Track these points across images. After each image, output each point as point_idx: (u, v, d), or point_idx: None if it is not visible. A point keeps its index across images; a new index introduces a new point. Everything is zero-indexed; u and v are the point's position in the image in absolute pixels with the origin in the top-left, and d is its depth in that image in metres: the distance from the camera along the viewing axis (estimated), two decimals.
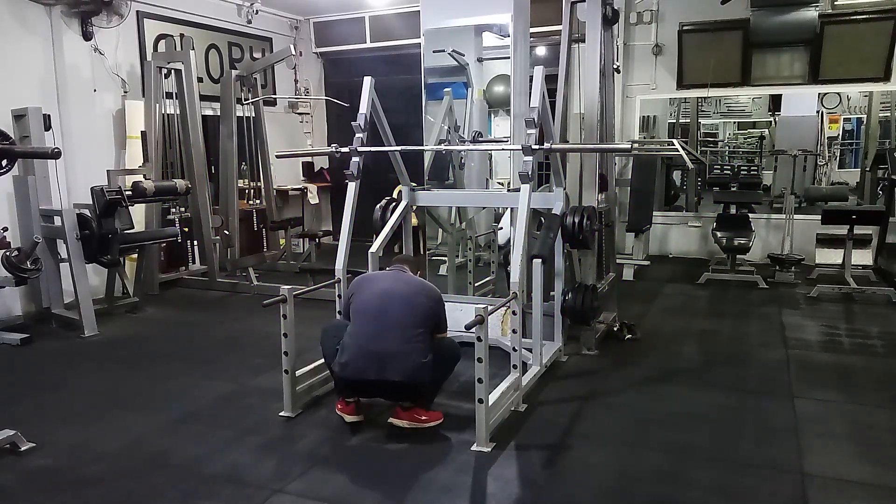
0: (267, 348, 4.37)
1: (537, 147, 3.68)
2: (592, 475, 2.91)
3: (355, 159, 4.10)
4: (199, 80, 6.90)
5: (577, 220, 4.09)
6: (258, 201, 7.43)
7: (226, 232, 6.77)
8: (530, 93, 3.75)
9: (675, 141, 4.92)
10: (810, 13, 6.78)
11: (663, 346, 4.67)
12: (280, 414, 3.51)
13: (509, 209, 4.89)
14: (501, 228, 5.36)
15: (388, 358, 3.13)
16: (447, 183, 5.26)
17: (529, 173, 3.67)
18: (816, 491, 2.73)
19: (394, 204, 4.56)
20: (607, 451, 3.13)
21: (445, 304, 3.40)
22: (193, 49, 6.51)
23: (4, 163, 3.84)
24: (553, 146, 3.84)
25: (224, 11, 7.74)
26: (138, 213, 6.17)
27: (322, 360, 3.62)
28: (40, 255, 4.95)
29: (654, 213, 7.58)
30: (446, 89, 5.19)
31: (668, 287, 6.51)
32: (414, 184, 4.58)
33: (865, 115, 10.31)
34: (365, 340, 3.19)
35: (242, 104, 7.07)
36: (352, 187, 4.13)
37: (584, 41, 4.59)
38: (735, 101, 11.79)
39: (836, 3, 6.92)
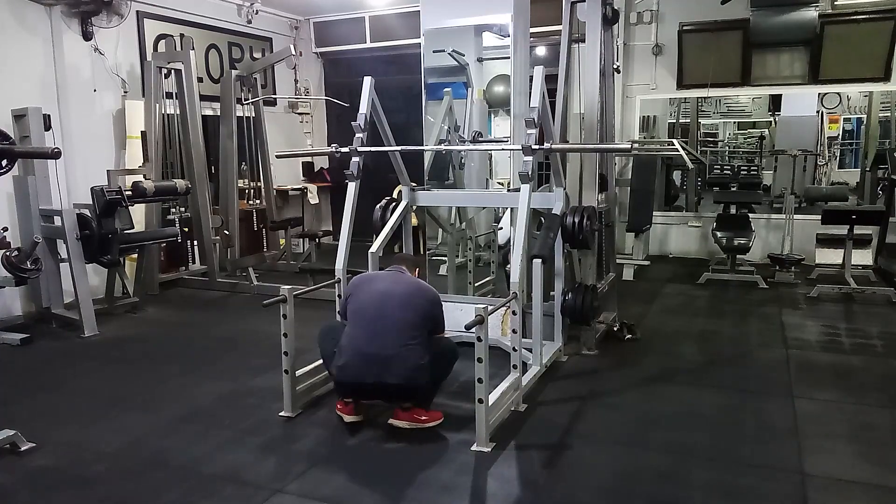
0: (267, 348, 4.37)
1: (537, 147, 3.68)
2: (592, 475, 2.91)
3: (355, 159, 4.10)
4: (199, 80, 6.89)
5: (577, 220, 4.09)
6: (258, 201, 7.42)
7: (226, 232, 6.77)
8: (530, 93, 3.75)
9: (675, 141, 4.93)
10: (810, 13, 6.77)
11: (663, 346, 4.67)
12: (280, 414, 3.51)
13: (509, 209, 4.89)
14: (501, 228, 5.37)
15: (386, 361, 3.12)
16: (447, 183, 5.26)
17: (529, 173, 3.67)
18: (816, 491, 2.73)
19: (394, 204, 4.56)
20: (607, 451, 3.13)
21: (445, 304, 3.41)
22: (193, 49, 6.51)
23: (4, 163, 3.84)
24: (553, 146, 3.84)
25: (224, 11, 7.74)
26: (138, 213, 6.17)
27: (321, 361, 3.62)
28: (40, 255, 4.96)
29: (654, 213, 7.57)
30: (446, 89, 5.19)
31: (668, 287, 6.51)
32: (414, 184, 4.59)
33: (865, 115, 10.30)
34: (363, 343, 3.19)
35: (242, 104, 7.07)
36: (352, 187, 4.13)
37: (584, 41, 4.59)
38: (735, 101, 11.78)
39: (836, 3, 6.92)
